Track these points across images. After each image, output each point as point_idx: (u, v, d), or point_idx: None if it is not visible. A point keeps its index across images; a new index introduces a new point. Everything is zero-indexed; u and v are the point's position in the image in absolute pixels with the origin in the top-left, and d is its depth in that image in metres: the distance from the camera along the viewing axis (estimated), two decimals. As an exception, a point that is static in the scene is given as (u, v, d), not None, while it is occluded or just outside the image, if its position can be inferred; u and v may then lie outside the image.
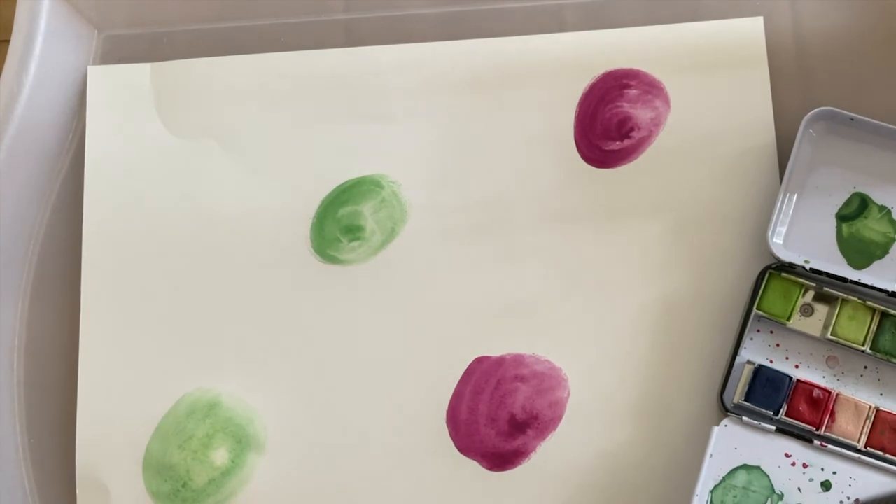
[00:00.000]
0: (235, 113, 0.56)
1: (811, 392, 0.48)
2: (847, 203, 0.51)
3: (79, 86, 0.57)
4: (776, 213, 0.50)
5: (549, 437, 0.51)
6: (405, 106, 0.55)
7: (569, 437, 0.51)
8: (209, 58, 0.57)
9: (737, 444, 0.47)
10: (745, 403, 0.48)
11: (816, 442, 0.47)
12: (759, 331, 0.50)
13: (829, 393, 0.48)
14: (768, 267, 0.50)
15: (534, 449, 0.51)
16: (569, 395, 0.51)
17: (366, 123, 0.55)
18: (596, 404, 0.51)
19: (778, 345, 0.50)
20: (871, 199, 0.51)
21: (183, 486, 0.52)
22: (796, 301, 0.49)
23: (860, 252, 0.50)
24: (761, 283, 0.49)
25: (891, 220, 0.50)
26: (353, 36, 0.57)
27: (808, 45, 0.54)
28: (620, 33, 0.55)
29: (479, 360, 0.52)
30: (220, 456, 0.52)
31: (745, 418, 0.48)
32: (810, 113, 0.50)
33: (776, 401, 0.48)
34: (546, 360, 0.52)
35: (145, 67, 0.57)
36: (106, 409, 0.53)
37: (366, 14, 0.57)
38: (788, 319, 0.49)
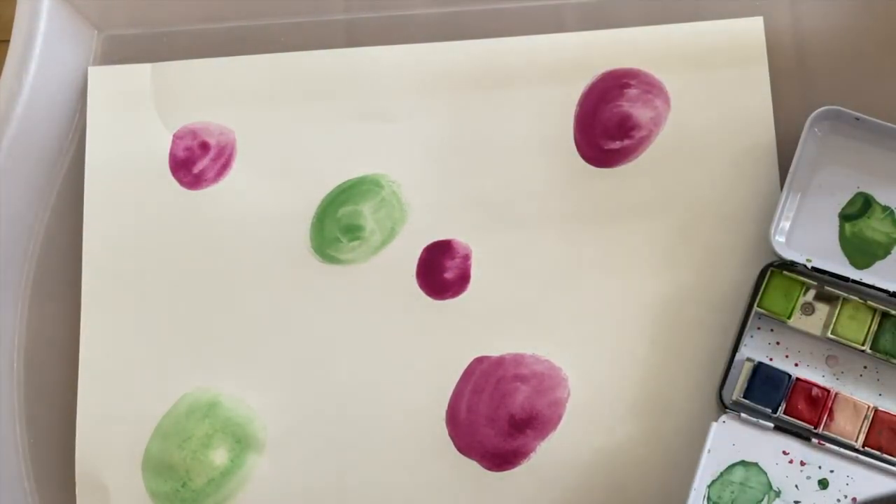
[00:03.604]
0: (235, 113, 0.56)
1: (810, 391, 0.48)
2: (851, 202, 0.50)
3: (79, 86, 0.57)
4: (779, 211, 0.49)
5: (549, 437, 0.51)
6: (405, 106, 0.55)
7: (569, 437, 0.51)
8: (209, 58, 0.57)
9: (735, 440, 0.47)
10: (744, 400, 0.48)
11: (814, 440, 0.47)
12: (759, 328, 0.50)
13: (828, 392, 0.48)
14: (770, 265, 0.50)
15: (533, 449, 0.51)
16: (569, 395, 0.51)
17: (366, 123, 0.55)
18: (596, 404, 0.51)
19: (778, 343, 0.50)
20: (874, 200, 0.50)
21: (182, 485, 0.52)
22: (797, 299, 0.49)
23: (862, 252, 0.50)
24: (762, 280, 0.49)
25: (894, 221, 0.50)
26: (353, 36, 0.57)
27: (808, 45, 0.54)
28: (620, 33, 0.55)
29: (479, 360, 0.52)
30: (220, 456, 0.52)
31: (743, 415, 0.48)
32: (816, 112, 0.50)
33: (775, 398, 0.48)
34: (546, 360, 0.52)
35: (145, 67, 0.57)
36: (106, 409, 0.53)
37: (366, 14, 0.57)
38: (789, 318, 0.49)
